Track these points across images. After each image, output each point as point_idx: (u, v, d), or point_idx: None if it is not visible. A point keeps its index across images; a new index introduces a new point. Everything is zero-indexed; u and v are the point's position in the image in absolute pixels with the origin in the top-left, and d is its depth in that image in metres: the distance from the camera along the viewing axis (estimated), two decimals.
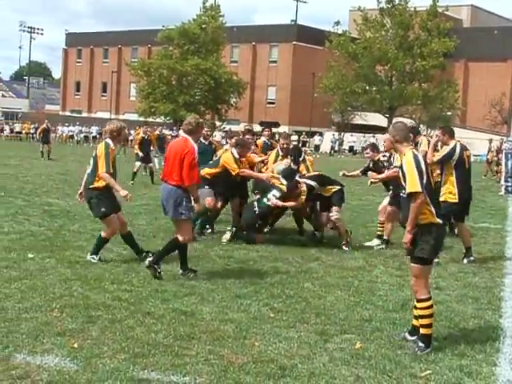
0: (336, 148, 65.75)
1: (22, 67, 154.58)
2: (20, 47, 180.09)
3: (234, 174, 11.68)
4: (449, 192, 10.67)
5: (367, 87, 67.57)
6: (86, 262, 9.50)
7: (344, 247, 11.56)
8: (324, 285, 8.92)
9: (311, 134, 68.61)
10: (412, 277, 6.70)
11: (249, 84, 79.16)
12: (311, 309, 7.72)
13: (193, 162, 8.67)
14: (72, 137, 62.88)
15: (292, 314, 7.48)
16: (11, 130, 63.20)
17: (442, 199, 9.96)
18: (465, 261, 10.86)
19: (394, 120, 62.44)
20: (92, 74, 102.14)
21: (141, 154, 23.22)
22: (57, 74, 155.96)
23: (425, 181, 6.46)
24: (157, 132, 24.05)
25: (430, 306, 6.57)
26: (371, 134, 59.13)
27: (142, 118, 74.39)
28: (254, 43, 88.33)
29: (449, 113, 67.33)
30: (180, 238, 8.89)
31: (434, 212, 6.53)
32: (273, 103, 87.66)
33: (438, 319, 7.41)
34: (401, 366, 6.02)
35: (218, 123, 74.63)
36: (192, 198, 8.82)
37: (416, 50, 64.45)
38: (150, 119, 73.19)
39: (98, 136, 64.28)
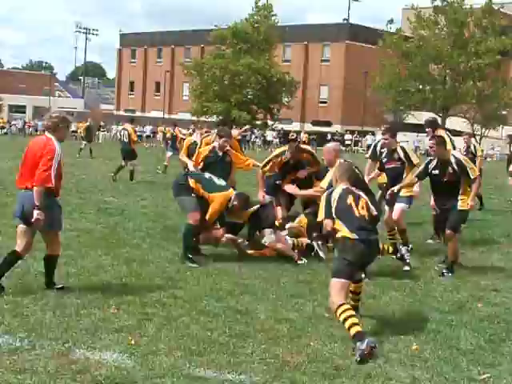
0: None
1: (77, 68, 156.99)
2: (76, 48, 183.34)
3: None
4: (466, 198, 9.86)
5: (420, 86, 66.78)
6: (142, 259, 9.61)
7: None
8: (378, 285, 8.85)
9: (363, 134, 68.18)
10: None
11: (301, 83, 79.01)
12: (366, 309, 7.67)
13: (49, 164, 7.41)
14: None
15: None
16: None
17: (464, 208, 9.80)
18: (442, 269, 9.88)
19: (448, 120, 61.93)
20: (146, 74, 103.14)
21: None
22: (111, 74, 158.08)
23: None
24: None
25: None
26: (424, 134, 58.55)
27: (194, 118, 74.94)
28: (306, 42, 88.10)
29: (504, 112, 66.14)
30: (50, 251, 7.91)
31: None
32: (325, 102, 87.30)
33: (495, 321, 7.32)
34: (458, 369, 5.95)
35: (270, 122, 74.83)
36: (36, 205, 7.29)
37: (471, 48, 63.43)
38: (203, 118, 73.67)
39: (151, 135, 65.02)
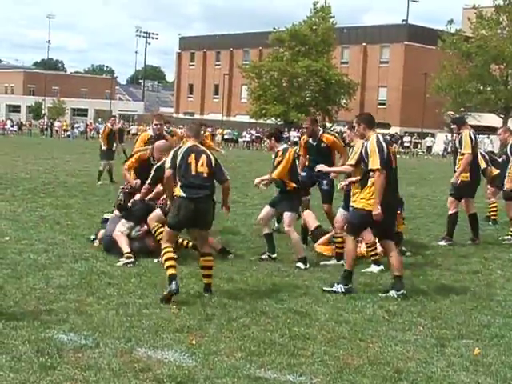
0: (449, 149, 64.28)
1: (137, 71, 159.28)
2: (136, 52, 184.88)
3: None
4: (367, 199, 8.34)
5: (481, 87, 65.63)
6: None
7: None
8: (439, 288, 8.75)
9: (423, 136, 67.41)
10: None
11: (359, 85, 78.60)
12: (427, 312, 7.59)
13: None
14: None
15: (407, 316, 7.38)
16: (127, 132, 64.97)
17: (358, 206, 8.40)
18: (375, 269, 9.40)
19: (510, 121, 60.68)
20: (204, 77, 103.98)
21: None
22: (170, 77, 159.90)
23: None
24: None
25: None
26: (485, 135, 57.50)
27: (253, 120, 75.26)
28: (364, 44, 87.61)
29: None
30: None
31: None
32: (384, 104, 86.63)
33: None
34: None
35: (328, 124, 74.58)
36: None
37: None
38: (261, 121, 73.88)
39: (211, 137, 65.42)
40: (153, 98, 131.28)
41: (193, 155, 7.96)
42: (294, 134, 63.42)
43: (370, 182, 8.30)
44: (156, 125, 12.31)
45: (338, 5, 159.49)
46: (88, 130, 70.85)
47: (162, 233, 8.64)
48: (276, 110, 72.56)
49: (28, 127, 76.46)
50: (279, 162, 9.71)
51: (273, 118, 74.49)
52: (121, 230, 9.84)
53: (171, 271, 7.63)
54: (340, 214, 10.03)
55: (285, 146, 10.13)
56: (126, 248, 9.53)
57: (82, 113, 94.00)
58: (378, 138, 8.35)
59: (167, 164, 8.07)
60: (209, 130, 23.68)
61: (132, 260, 9.34)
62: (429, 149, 61.87)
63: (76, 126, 75.75)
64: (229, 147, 58.60)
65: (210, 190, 8.03)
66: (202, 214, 7.97)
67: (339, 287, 8.21)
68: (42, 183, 19.44)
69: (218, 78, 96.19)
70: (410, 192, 20.02)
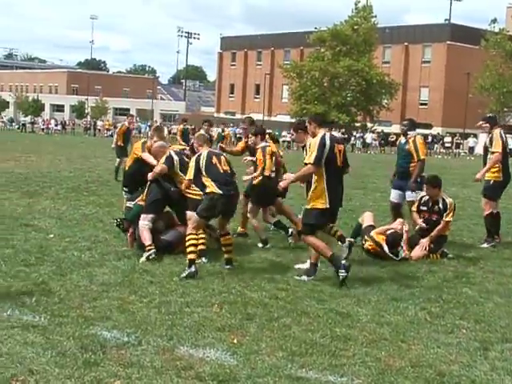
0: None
1: (179, 71, 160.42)
2: (178, 52, 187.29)
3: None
4: (316, 197, 8.65)
5: None
6: (243, 260, 9.72)
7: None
8: (483, 291, 8.65)
9: (465, 136, 66.62)
10: None
11: (401, 85, 78.04)
12: (470, 315, 7.51)
13: None
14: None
15: (450, 319, 7.32)
16: (169, 132, 65.42)
17: (308, 207, 8.73)
18: (303, 277, 8.85)
19: None
20: (246, 77, 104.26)
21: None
22: (212, 76, 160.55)
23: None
24: (181, 126, 22.68)
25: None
26: None
27: (293, 120, 75.14)
28: (406, 43, 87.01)
29: None
30: None
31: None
32: (425, 104, 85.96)
33: None
34: None
35: (369, 124, 74.19)
36: None
37: None
38: None
39: None
40: (194, 97, 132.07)
41: (214, 157, 9.20)
42: (334, 134, 63.18)
43: (314, 180, 8.69)
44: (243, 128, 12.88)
45: (380, 4, 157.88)
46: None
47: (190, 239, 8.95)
48: (317, 110, 72.15)
49: (71, 126, 77.47)
50: (263, 158, 10.77)
51: None
52: (142, 224, 9.91)
53: (192, 256, 8.70)
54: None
55: (264, 144, 10.99)
56: (147, 241, 9.65)
57: (124, 112, 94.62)
58: (323, 136, 8.66)
59: (191, 172, 9.17)
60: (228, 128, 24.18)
61: (153, 251, 9.48)
62: (471, 149, 60.92)
63: (118, 125, 76.48)
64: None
65: (235, 185, 9.30)
66: (233, 207, 9.35)
67: (304, 277, 8.82)
68: (85, 182, 19.70)
69: (259, 78, 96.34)
70: (452, 193, 19.77)
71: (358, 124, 73.37)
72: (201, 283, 8.31)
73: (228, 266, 9.18)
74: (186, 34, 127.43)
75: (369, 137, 63.70)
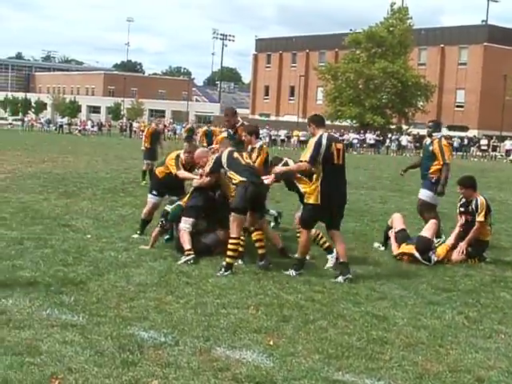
0: None
1: (214, 73, 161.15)
2: (213, 54, 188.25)
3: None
4: (310, 193, 9.08)
5: None
6: (279, 262, 9.71)
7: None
8: None
9: (502, 139, 65.86)
10: None
11: (437, 87, 77.44)
12: (508, 320, 7.43)
13: None
14: (260, 139, 64.27)
15: (488, 324, 7.24)
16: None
17: (305, 201, 9.22)
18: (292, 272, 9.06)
19: None
20: (280, 79, 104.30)
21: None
22: (246, 78, 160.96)
23: None
24: (205, 128, 22.52)
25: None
26: None
27: (328, 122, 74.99)
28: (442, 45, 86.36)
29: None
30: None
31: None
32: (461, 106, 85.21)
33: None
34: None
35: (404, 127, 73.72)
36: None
37: None
38: (337, 122, 73.58)
39: (285, 139, 65.51)
40: (229, 99, 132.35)
41: (235, 153, 9.63)
42: (369, 136, 62.96)
43: (314, 177, 9.15)
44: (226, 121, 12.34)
45: (416, 5, 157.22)
46: (166, 130, 71.81)
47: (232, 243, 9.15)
48: (351, 112, 72.25)
49: (107, 127, 78.17)
50: (256, 158, 10.39)
51: (348, 120, 74.12)
52: (183, 227, 9.96)
53: (230, 260, 8.96)
54: None
55: (260, 142, 10.93)
56: (186, 245, 9.69)
57: (160, 114, 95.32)
58: (320, 136, 9.05)
59: (210, 168, 9.80)
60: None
61: (192, 256, 9.49)
62: (508, 152, 60.14)
63: (161, 127, 76.96)
64: (304, 149, 58.49)
65: (260, 177, 9.50)
66: (262, 198, 9.60)
67: (292, 272, 9.06)
68: (122, 183, 19.88)
69: (294, 80, 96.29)
70: (489, 196, 19.59)
71: (393, 126, 72.94)
72: (237, 285, 8.33)
73: (262, 262, 9.26)
74: (221, 36, 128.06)
75: (404, 139, 63.29)
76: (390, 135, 64.60)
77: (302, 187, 9.63)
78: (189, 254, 9.53)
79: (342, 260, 9.07)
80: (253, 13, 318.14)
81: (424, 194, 11.69)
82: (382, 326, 6.95)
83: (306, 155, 8.98)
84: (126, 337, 6.20)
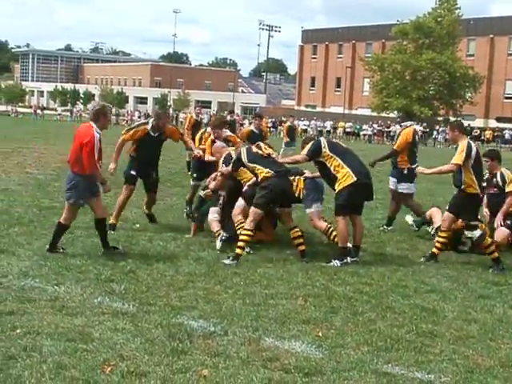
0: None
1: (259, 64, 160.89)
2: (259, 45, 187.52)
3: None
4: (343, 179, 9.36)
5: None
6: (326, 252, 9.68)
7: None
8: None
9: None
10: None
11: (485, 78, 76.16)
12: None
13: (91, 152, 8.71)
14: (305, 131, 64.10)
15: None
16: (250, 123, 65.91)
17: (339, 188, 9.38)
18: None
19: None
20: (326, 70, 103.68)
21: None
22: (292, 69, 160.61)
23: None
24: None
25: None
26: None
27: (374, 113, 74.47)
28: (491, 36, 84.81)
29: None
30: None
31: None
32: (510, 98, 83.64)
33: None
34: None
35: (452, 118, 72.76)
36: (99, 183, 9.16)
37: None
38: (383, 114, 72.96)
39: (331, 130, 65.21)
40: (275, 90, 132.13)
41: (253, 147, 9.89)
42: (416, 128, 62.23)
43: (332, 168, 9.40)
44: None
45: None
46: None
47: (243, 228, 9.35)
48: (398, 104, 71.45)
49: None
50: None
51: (395, 112, 73.47)
52: (212, 217, 10.15)
53: (239, 251, 8.96)
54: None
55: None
56: (215, 228, 9.91)
57: (206, 105, 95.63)
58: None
59: (232, 166, 9.87)
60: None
61: (222, 233, 9.69)
62: None
63: (202, 117, 77.30)
64: (350, 140, 58.28)
65: (285, 168, 9.63)
66: (289, 188, 9.53)
67: (336, 262, 9.11)
68: (169, 173, 20.00)
69: (340, 71, 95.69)
70: None
71: (440, 118, 72.08)
72: (285, 275, 8.35)
73: (305, 259, 9.26)
74: (267, 27, 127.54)
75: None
76: (437, 127, 63.82)
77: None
78: (219, 234, 9.70)
79: (357, 244, 9.62)
80: (299, 4, 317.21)
81: (401, 187, 12.08)
82: (431, 319, 6.90)
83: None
84: (176, 325, 6.26)
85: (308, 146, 9.65)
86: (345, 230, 9.30)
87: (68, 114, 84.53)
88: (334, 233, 9.77)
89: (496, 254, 9.38)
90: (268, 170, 9.30)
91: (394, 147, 12.22)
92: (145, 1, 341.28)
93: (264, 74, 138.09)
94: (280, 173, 9.34)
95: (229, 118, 23.09)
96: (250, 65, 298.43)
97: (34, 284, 7.40)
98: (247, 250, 9.43)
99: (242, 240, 9.03)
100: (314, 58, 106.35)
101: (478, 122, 75.45)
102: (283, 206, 9.58)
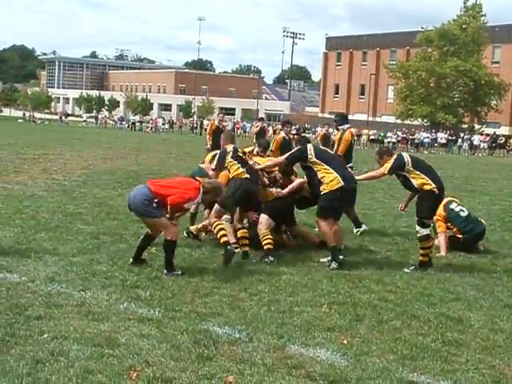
0: None
1: (283, 71, 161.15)
2: (283, 52, 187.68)
3: None
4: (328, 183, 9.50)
5: None
6: (353, 261, 9.67)
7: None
8: None
9: None
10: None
11: (511, 85, 75.56)
12: None
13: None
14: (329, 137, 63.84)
15: None
16: (274, 131, 65.92)
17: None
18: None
19: None
20: (350, 77, 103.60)
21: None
22: (316, 76, 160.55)
23: None
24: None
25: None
26: None
27: (399, 121, 74.21)
28: None
29: None
30: (167, 237, 8.55)
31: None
32: None
33: None
34: None
35: (477, 126, 72.28)
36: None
37: None
38: (407, 121, 72.68)
39: (355, 138, 65.03)
40: (299, 97, 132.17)
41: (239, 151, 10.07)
42: (441, 136, 61.98)
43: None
44: None
45: (490, 1, 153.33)
46: (236, 128, 72.17)
47: (222, 229, 9.60)
48: (423, 111, 71.23)
49: (179, 125, 78.96)
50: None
51: (419, 119, 73.15)
52: (224, 219, 10.15)
53: (225, 239, 9.29)
54: None
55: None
56: (232, 239, 9.78)
57: (230, 112, 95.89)
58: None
59: (215, 165, 10.10)
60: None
61: (237, 247, 9.67)
62: None
63: (224, 124, 77.47)
64: (374, 148, 58.07)
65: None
66: (256, 193, 9.87)
67: (333, 264, 9.22)
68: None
69: (364, 78, 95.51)
70: None
71: (465, 125, 71.66)
72: (309, 283, 8.35)
73: (245, 259, 9.49)
74: (292, 35, 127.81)
75: (476, 139, 62.07)
76: (462, 134, 63.48)
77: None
78: (236, 247, 9.56)
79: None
80: (323, 11, 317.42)
81: None
82: (457, 328, 6.86)
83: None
84: (201, 332, 6.29)
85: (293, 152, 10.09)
86: (328, 229, 9.38)
87: (93, 120, 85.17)
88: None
89: (427, 259, 9.46)
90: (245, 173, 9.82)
91: (339, 152, 12.27)
92: (170, 8, 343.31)
93: (288, 80, 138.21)
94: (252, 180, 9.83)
95: (259, 124, 22.97)
96: (274, 72, 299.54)
97: (61, 289, 7.47)
98: (271, 259, 9.46)
99: (219, 229, 9.51)
100: (338, 65, 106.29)
101: (504, 130, 74.88)
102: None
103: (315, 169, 9.59)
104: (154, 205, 8.38)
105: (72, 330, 6.15)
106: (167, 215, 8.46)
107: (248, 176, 9.75)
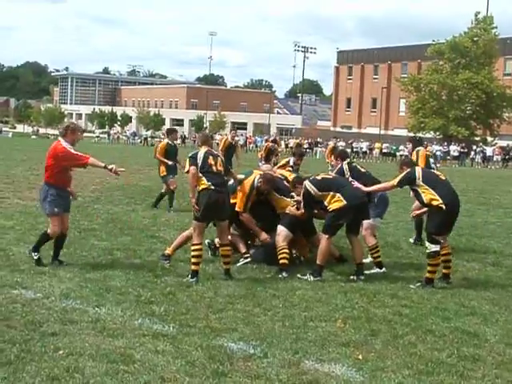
0: None
1: (295, 85, 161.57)
2: (294, 66, 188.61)
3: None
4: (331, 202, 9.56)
5: None
6: (365, 275, 9.62)
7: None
8: None
9: None
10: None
11: None
12: None
13: (57, 164, 9.59)
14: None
15: None
16: (286, 146, 65.93)
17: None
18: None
19: None
20: (362, 91, 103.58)
21: None
22: (328, 90, 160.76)
23: None
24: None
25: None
26: None
27: (411, 134, 74.03)
28: None
29: None
30: (49, 230, 9.50)
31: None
32: None
33: None
34: None
35: (489, 138, 72.04)
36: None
37: None
38: (420, 134, 72.56)
39: (367, 151, 65.03)
40: (310, 111, 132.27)
41: (211, 157, 9.38)
42: (453, 148, 61.84)
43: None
44: None
45: (501, 13, 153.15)
46: (247, 142, 72.29)
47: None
48: (435, 124, 71.05)
49: (192, 139, 79.12)
50: None
51: (431, 132, 72.99)
52: (233, 233, 10.37)
53: (195, 267, 9.01)
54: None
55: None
56: (242, 248, 10.25)
57: (242, 126, 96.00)
58: None
59: (189, 163, 9.37)
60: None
61: (248, 256, 10.13)
62: None
63: (236, 139, 77.60)
64: (387, 161, 58.01)
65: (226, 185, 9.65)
66: (224, 205, 9.29)
67: (310, 276, 9.29)
68: None
69: (376, 92, 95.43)
70: None
71: (477, 138, 71.44)
72: (324, 298, 8.33)
73: (226, 277, 9.20)
74: (303, 49, 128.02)
75: (489, 151, 61.88)
76: (474, 147, 63.27)
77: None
78: (246, 257, 10.12)
79: (359, 262, 9.69)
80: (334, 25, 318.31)
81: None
82: (472, 343, 6.82)
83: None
84: (216, 348, 6.29)
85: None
86: (327, 248, 9.46)
87: (106, 136, 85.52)
88: (378, 254, 10.12)
89: (434, 276, 9.32)
90: (210, 184, 9.42)
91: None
92: (181, 24, 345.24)
93: (299, 95, 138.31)
94: (218, 191, 9.24)
95: (271, 145, 22.97)
96: (286, 86, 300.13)
97: (76, 305, 7.50)
98: (285, 275, 9.45)
99: (193, 256, 9.16)
100: (350, 78, 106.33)
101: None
102: (221, 219, 9.42)
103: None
104: None
105: (87, 346, 6.16)
106: None
107: (213, 187, 9.15)
